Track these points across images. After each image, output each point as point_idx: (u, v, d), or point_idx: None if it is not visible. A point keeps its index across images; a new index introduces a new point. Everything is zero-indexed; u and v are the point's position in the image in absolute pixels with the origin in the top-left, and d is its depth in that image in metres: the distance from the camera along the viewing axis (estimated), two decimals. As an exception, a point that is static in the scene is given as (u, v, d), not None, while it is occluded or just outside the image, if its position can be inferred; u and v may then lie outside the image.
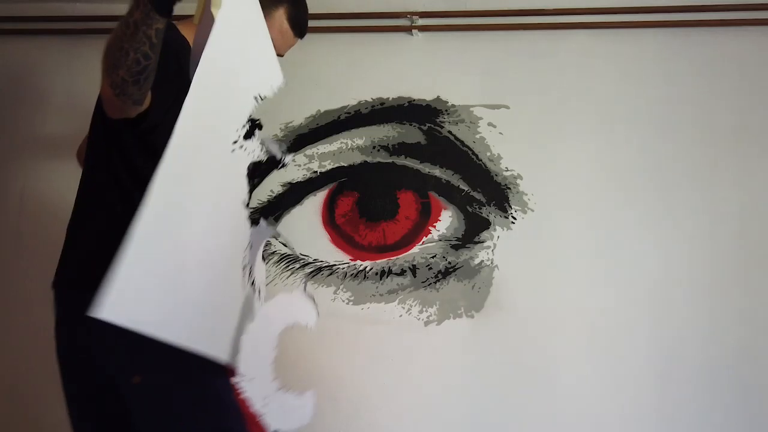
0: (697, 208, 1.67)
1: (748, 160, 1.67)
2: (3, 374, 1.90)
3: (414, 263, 1.74)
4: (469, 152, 1.77)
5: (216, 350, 0.97)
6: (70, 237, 1.10)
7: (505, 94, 1.79)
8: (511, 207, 1.74)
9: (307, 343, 1.76)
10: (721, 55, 1.73)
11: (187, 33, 1.11)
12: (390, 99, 1.84)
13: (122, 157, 1.03)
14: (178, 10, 0.91)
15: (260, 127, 1.06)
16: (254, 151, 1.02)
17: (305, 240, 1.80)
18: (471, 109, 1.80)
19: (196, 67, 0.88)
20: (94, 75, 2.08)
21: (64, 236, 1.17)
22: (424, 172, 1.77)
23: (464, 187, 1.75)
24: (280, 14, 1.21)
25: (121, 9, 2.24)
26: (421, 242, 1.75)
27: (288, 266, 1.80)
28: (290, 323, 1.15)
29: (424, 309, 1.73)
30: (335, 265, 1.78)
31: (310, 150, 1.84)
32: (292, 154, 1.85)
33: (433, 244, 1.74)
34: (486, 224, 1.74)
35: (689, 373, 1.61)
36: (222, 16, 0.90)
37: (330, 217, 1.81)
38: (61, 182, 1.98)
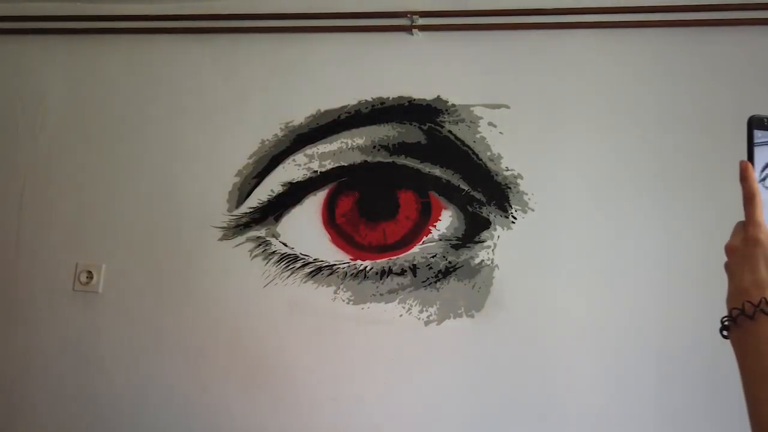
0: (698, 207, 1.67)
1: (749, 160, 1.67)
2: (3, 374, 1.91)
3: (414, 263, 1.74)
4: (470, 152, 1.77)
5: None
6: None
7: (505, 94, 1.79)
8: (511, 207, 1.73)
9: (307, 343, 1.77)
10: (722, 55, 1.73)
11: None
12: (390, 99, 1.84)
13: None
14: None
15: None
16: None
17: (305, 240, 1.80)
18: (471, 108, 1.80)
19: None
20: (94, 75, 2.10)
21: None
22: (424, 172, 1.77)
23: (464, 186, 1.75)
24: None
25: (121, 9, 2.25)
26: (421, 242, 1.75)
27: (288, 266, 1.80)
28: None
29: (424, 309, 1.72)
30: (335, 264, 1.78)
31: (310, 150, 1.84)
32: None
33: (434, 243, 1.74)
34: (486, 224, 1.73)
35: (691, 373, 1.61)
36: None
37: (330, 217, 1.80)
38: (61, 182, 1.99)
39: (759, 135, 0.70)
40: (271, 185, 1.85)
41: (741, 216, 0.71)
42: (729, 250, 0.72)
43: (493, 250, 1.72)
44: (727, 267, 0.72)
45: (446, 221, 1.75)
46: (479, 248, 1.72)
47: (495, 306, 1.70)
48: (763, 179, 0.71)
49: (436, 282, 1.73)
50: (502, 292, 1.70)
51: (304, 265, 1.79)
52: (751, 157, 0.70)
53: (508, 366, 1.67)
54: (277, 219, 1.83)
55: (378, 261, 1.76)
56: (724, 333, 0.71)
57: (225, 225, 1.86)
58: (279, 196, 1.84)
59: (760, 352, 0.65)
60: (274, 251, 1.81)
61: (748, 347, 0.67)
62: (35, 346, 1.91)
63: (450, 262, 1.73)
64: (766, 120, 0.70)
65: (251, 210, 1.85)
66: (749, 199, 0.69)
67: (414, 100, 1.83)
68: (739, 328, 0.68)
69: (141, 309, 1.86)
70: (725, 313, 0.71)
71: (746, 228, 0.69)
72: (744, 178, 0.69)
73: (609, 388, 1.63)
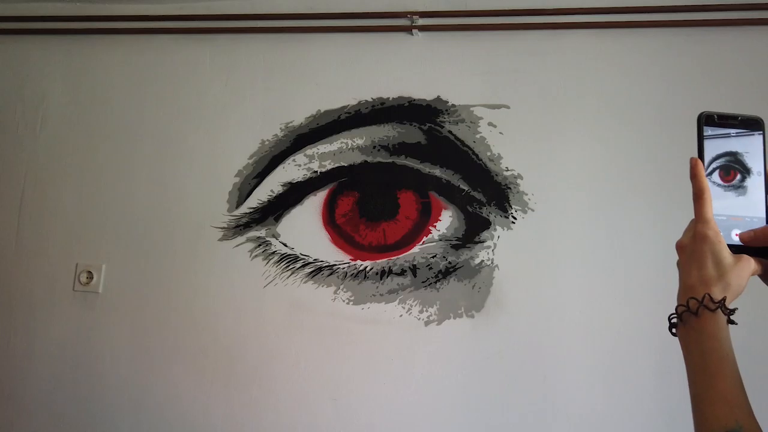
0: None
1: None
2: (3, 374, 1.91)
3: (414, 263, 1.74)
4: (470, 152, 1.77)
5: None
6: None
7: (505, 94, 1.79)
8: (511, 207, 1.73)
9: (307, 343, 1.77)
10: (722, 55, 1.73)
11: None
12: (390, 99, 1.84)
13: None
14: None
15: None
16: None
17: (305, 240, 1.80)
18: (471, 108, 1.80)
19: None
20: (94, 75, 2.09)
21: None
22: (424, 172, 1.77)
23: (464, 186, 1.75)
24: None
25: (121, 9, 2.24)
26: (421, 242, 1.75)
27: (288, 266, 1.80)
28: None
29: (424, 309, 1.72)
30: (335, 265, 1.78)
31: (311, 150, 1.84)
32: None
33: (434, 243, 1.74)
34: (486, 224, 1.73)
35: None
36: None
37: (330, 217, 1.81)
38: (61, 182, 1.98)
39: (708, 131, 0.71)
40: (271, 185, 1.85)
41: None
42: (679, 247, 0.72)
43: (493, 251, 1.72)
44: (678, 264, 0.72)
45: (446, 221, 1.75)
46: (479, 248, 1.72)
47: (495, 306, 1.70)
48: (711, 173, 0.71)
49: (436, 282, 1.73)
50: (502, 293, 1.70)
51: (304, 266, 1.79)
52: (701, 153, 0.71)
53: (508, 366, 1.67)
54: (277, 219, 1.83)
55: (378, 261, 1.76)
56: (673, 330, 0.71)
57: (225, 225, 1.86)
58: (279, 196, 1.84)
59: (703, 349, 0.64)
60: (274, 251, 1.81)
61: (692, 344, 0.66)
62: (35, 346, 1.90)
63: (450, 263, 1.73)
64: (716, 116, 0.71)
65: (251, 210, 1.85)
66: (698, 196, 0.69)
67: (414, 100, 1.83)
68: (685, 326, 0.67)
69: (141, 309, 1.86)
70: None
71: (695, 225, 0.69)
72: (693, 175, 0.69)
73: (609, 388, 1.63)
